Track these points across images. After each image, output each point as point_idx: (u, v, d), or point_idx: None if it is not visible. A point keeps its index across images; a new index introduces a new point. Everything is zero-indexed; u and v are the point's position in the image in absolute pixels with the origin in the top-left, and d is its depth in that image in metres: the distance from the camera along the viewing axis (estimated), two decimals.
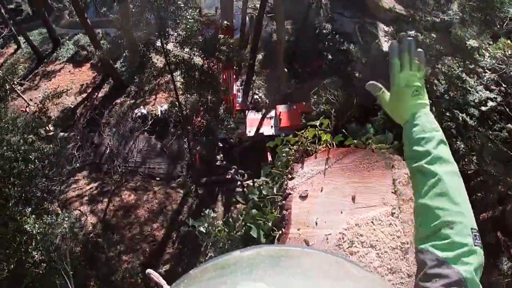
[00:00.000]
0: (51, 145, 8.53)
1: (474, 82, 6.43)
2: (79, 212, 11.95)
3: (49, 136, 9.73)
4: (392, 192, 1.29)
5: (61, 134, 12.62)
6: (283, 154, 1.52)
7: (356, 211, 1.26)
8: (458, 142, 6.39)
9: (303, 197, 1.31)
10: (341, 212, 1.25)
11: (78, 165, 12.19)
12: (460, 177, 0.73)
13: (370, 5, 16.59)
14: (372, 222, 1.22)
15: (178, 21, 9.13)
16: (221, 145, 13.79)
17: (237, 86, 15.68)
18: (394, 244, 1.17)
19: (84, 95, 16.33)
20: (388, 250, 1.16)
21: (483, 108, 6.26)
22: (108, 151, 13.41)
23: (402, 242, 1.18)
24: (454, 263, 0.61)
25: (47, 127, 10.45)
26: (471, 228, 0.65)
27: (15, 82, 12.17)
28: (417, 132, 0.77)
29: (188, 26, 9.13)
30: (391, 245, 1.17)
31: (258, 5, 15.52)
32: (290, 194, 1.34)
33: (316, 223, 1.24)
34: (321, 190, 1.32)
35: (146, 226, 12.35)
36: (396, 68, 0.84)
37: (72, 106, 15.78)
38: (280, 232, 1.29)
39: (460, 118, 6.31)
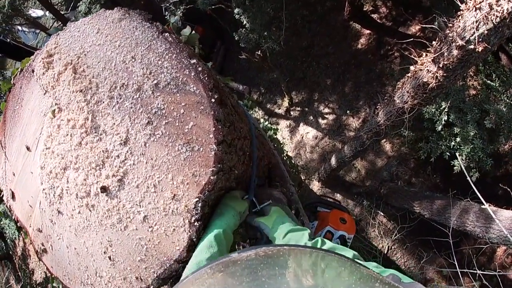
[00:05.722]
0: None
1: None
2: None
3: None
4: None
5: None
6: None
7: (32, 159, 1.08)
8: None
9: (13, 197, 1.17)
10: (31, 173, 1.08)
11: None
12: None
13: None
14: (45, 151, 1.01)
15: None
16: None
17: None
18: (76, 140, 0.95)
19: None
20: (74, 147, 0.96)
21: None
22: None
23: (81, 130, 0.96)
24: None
25: None
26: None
27: None
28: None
29: None
30: (74, 142, 0.96)
31: None
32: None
33: (31, 206, 1.09)
34: (13, 174, 1.15)
35: None
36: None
37: None
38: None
39: None
